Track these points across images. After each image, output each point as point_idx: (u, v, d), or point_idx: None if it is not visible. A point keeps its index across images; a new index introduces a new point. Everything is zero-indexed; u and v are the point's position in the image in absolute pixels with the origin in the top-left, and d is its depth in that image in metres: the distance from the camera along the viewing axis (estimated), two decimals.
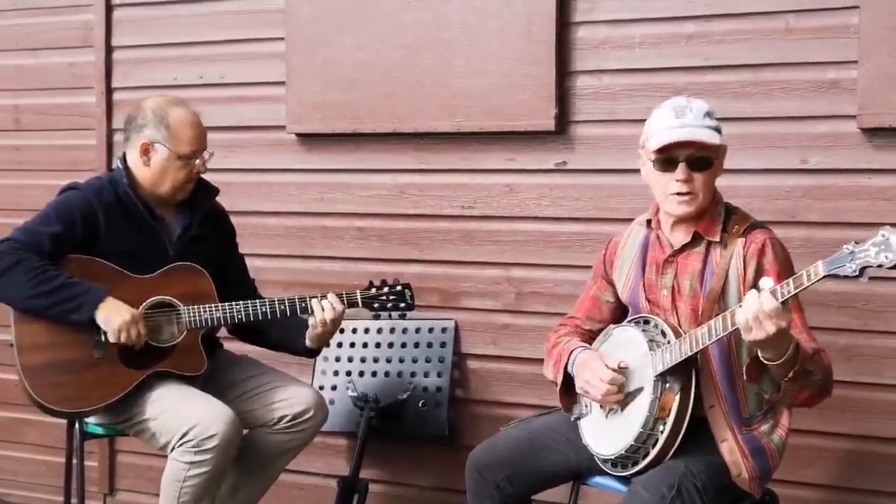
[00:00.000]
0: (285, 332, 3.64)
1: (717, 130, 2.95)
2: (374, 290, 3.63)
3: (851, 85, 3.48)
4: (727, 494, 2.91)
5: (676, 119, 2.94)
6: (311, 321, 3.55)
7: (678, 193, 2.94)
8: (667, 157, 2.94)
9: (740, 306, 2.71)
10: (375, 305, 3.63)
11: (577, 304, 3.32)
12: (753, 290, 2.65)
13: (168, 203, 3.58)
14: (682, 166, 2.93)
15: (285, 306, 3.53)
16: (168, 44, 4.52)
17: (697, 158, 2.93)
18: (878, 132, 3.47)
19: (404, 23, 4.07)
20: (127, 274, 3.45)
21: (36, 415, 3.73)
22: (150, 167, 3.51)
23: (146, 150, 3.51)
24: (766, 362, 2.72)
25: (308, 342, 3.60)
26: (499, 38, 3.93)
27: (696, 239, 3.00)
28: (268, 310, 3.53)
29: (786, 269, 2.89)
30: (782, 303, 2.62)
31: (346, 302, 3.57)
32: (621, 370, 2.97)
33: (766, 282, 2.66)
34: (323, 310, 3.51)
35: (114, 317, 3.37)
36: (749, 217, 3.04)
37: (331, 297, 3.54)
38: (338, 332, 3.64)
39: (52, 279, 3.35)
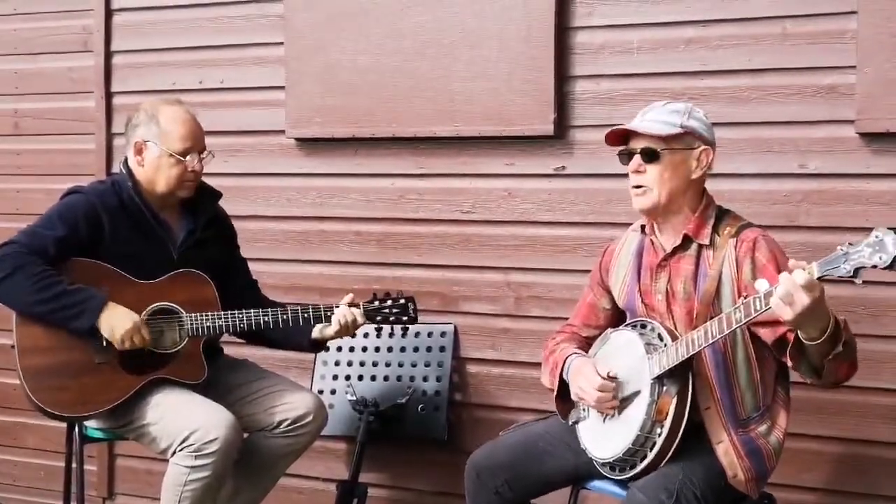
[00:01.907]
0: (289, 333, 3.62)
1: (681, 127, 2.95)
2: (377, 303, 3.63)
3: (850, 90, 3.48)
4: (725, 498, 2.91)
5: (640, 116, 3.02)
6: (327, 330, 3.56)
7: (633, 187, 3.01)
8: (626, 152, 3.03)
9: (736, 307, 2.72)
10: (378, 318, 3.62)
11: (575, 311, 3.34)
12: (784, 272, 2.59)
13: (170, 204, 3.58)
14: (635, 157, 2.99)
15: (287, 316, 3.53)
16: (167, 48, 4.53)
17: (646, 150, 2.97)
18: (876, 137, 3.47)
19: (403, 27, 4.08)
20: (130, 279, 3.45)
21: (35, 419, 3.74)
22: (145, 167, 3.52)
23: (139, 150, 3.52)
24: (809, 343, 2.66)
25: (314, 335, 3.61)
26: (498, 42, 3.94)
27: (686, 242, 3.01)
28: (269, 319, 3.53)
29: (782, 259, 2.89)
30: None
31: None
32: (611, 379, 2.98)
33: (762, 284, 2.66)
34: (342, 320, 3.53)
35: (117, 326, 3.37)
36: (740, 219, 3.05)
37: (355, 310, 3.55)
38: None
39: (52, 286, 3.35)
